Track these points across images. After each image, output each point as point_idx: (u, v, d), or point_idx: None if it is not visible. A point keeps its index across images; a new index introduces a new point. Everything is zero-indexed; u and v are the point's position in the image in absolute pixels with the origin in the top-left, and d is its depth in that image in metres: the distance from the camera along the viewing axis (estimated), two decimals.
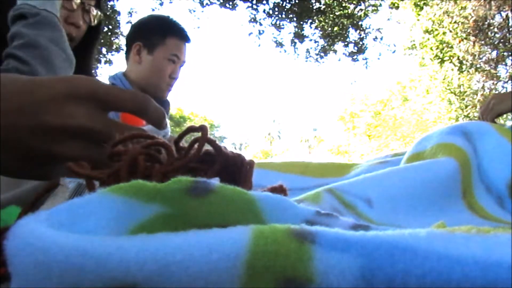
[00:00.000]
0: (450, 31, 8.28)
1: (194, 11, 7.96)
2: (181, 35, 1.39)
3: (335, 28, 8.16)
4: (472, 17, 7.82)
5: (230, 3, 7.56)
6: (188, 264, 0.15)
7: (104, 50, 7.17)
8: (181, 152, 0.32)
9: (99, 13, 0.90)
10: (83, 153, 0.34)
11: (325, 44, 8.38)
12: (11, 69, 0.66)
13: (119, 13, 7.38)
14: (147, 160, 0.30)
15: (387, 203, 0.45)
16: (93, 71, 0.98)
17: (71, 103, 0.33)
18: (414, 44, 9.43)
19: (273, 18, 7.85)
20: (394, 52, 9.40)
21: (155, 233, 0.17)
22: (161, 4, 7.75)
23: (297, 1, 7.66)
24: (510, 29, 7.79)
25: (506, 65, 8.45)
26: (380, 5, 8.53)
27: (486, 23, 7.87)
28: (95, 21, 0.89)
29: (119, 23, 7.42)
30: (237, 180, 0.33)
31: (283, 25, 8.02)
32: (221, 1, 7.57)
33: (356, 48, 8.44)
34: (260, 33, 8.07)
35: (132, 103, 0.36)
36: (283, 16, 7.83)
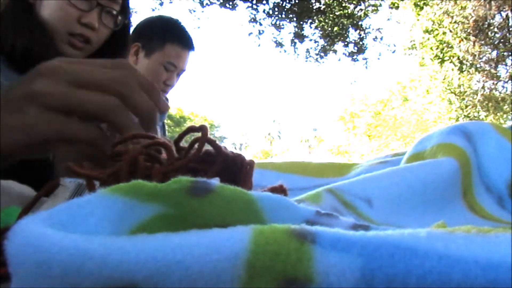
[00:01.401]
0: (450, 31, 8.29)
1: (194, 11, 7.97)
2: (183, 43, 1.32)
3: (335, 28, 8.16)
4: (472, 17, 7.82)
5: (230, 3, 7.57)
6: (188, 264, 0.15)
7: None
8: (181, 152, 0.32)
9: (121, 18, 0.84)
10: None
11: (325, 44, 8.39)
12: None
13: None
14: (147, 160, 0.30)
15: (387, 203, 0.45)
16: None
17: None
18: (414, 44, 9.44)
19: (273, 18, 7.86)
20: (394, 52, 9.43)
21: (155, 233, 0.17)
22: (161, 4, 7.75)
23: (297, 1, 7.67)
24: (510, 29, 7.79)
25: (506, 65, 8.46)
26: (380, 5, 8.53)
27: (486, 23, 7.87)
28: (119, 25, 0.84)
29: None
30: (237, 180, 0.33)
31: (283, 25, 8.03)
32: (221, 1, 7.58)
33: (356, 48, 8.45)
34: (260, 33, 8.09)
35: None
36: (283, 16, 7.84)
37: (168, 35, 1.31)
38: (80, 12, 0.79)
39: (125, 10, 0.86)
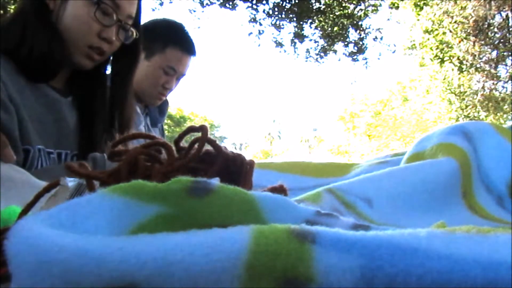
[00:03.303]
0: (450, 31, 8.29)
1: (194, 11, 7.95)
2: (184, 48, 1.31)
3: (335, 28, 8.16)
4: (472, 17, 7.82)
5: (230, 3, 7.56)
6: (188, 264, 0.15)
7: None
8: (181, 152, 0.32)
9: (135, 32, 0.87)
10: None
11: (325, 44, 8.39)
12: None
13: None
14: (147, 160, 0.30)
15: (387, 203, 0.45)
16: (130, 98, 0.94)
17: None
18: (414, 44, 9.44)
19: (273, 18, 7.85)
20: (394, 52, 9.40)
21: (155, 233, 0.17)
22: (161, 4, 7.74)
23: (297, 1, 7.66)
24: (510, 29, 7.79)
25: (506, 65, 8.45)
26: (380, 5, 8.53)
27: (486, 23, 7.87)
28: (130, 40, 0.87)
29: None
30: (237, 180, 0.33)
31: (283, 25, 8.02)
32: (221, 1, 7.57)
33: (356, 48, 8.44)
34: (260, 33, 8.08)
35: None
36: (283, 16, 7.83)
37: (170, 39, 1.30)
38: (102, 26, 0.81)
39: (137, 24, 0.89)
